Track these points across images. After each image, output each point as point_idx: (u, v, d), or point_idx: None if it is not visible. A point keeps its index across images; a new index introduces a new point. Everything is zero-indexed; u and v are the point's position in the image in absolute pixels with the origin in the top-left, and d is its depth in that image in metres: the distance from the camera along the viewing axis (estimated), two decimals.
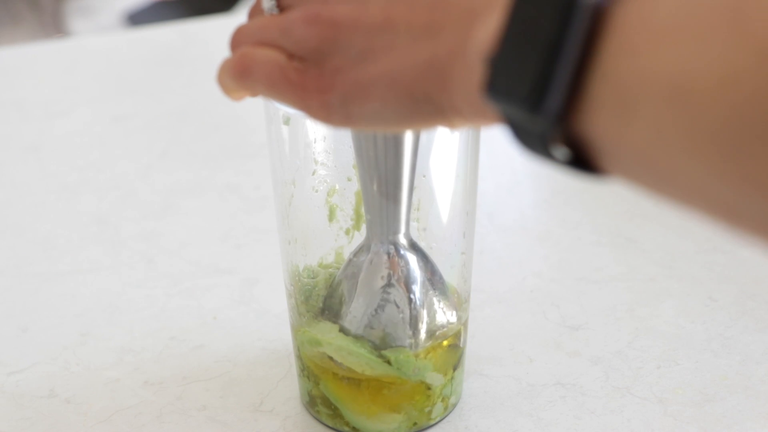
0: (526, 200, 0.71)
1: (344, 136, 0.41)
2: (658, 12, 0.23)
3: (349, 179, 0.44)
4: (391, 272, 0.44)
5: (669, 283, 0.60)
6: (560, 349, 0.54)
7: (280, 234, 0.46)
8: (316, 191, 0.44)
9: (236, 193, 0.72)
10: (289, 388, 0.51)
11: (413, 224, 0.44)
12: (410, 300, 0.44)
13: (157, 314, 0.58)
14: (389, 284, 0.44)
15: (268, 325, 0.56)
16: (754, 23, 0.21)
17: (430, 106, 0.29)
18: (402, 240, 0.43)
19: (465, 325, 0.48)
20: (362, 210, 0.44)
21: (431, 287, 0.45)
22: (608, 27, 0.24)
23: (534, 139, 0.26)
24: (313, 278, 0.46)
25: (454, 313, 0.46)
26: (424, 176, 0.42)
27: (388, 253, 0.43)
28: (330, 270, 0.46)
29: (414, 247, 0.44)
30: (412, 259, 0.44)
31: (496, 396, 0.50)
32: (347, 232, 0.46)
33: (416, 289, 0.44)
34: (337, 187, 0.44)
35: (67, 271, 0.63)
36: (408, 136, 0.40)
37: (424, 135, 0.41)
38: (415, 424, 0.47)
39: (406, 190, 0.41)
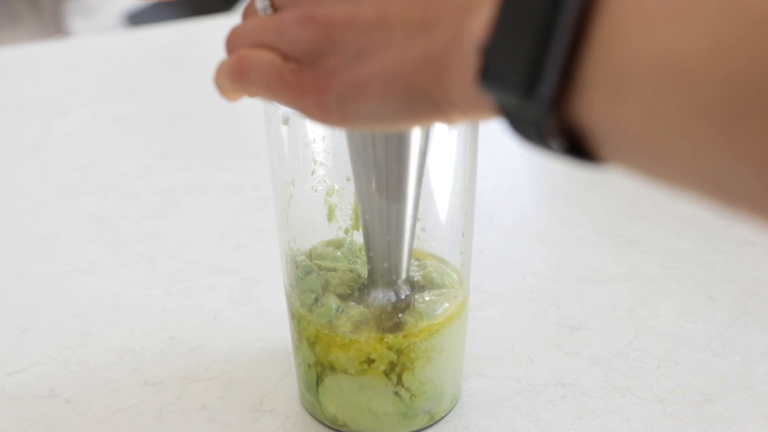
0: (526, 200, 0.71)
1: (343, 138, 0.41)
2: None
3: (348, 179, 0.44)
4: (393, 317, 0.44)
5: (669, 283, 0.60)
6: (560, 349, 0.54)
7: (279, 234, 0.46)
8: (315, 191, 0.44)
9: (236, 193, 0.72)
10: (289, 388, 0.51)
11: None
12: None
13: (157, 314, 0.58)
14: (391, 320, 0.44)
15: (268, 325, 0.56)
16: None
17: (428, 102, 0.29)
18: (402, 285, 0.44)
19: (464, 324, 0.48)
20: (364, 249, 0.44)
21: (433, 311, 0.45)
22: (599, 10, 0.24)
23: (529, 127, 0.26)
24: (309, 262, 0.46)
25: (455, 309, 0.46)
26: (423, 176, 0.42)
27: (389, 299, 0.44)
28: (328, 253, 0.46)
29: (413, 287, 0.45)
30: (412, 299, 0.45)
31: (496, 396, 0.50)
32: (346, 231, 0.46)
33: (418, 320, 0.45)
34: (336, 186, 0.44)
35: (67, 271, 0.63)
36: (413, 163, 0.40)
37: (428, 147, 0.41)
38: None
39: (409, 232, 0.42)
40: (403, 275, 0.44)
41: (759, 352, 0.53)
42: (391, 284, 0.44)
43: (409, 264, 0.44)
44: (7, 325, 0.57)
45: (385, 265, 0.43)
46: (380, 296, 0.44)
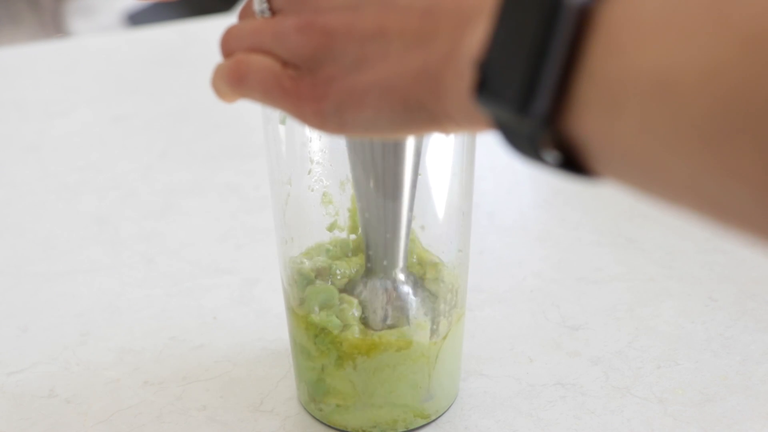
0: (526, 200, 0.71)
1: (340, 138, 0.41)
2: (644, 9, 0.23)
3: (342, 183, 0.44)
4: (388, 309, 0.44)
5: (669, 283, 0.60)
6: (560, 349, 0.54)
7: (276, 233, 0.46)
8: (312, 190, 0.44)
9: (236, 193, 0.72)
10: (289, 388, 0.51)
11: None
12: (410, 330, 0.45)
13: (157, 314, 0.58)
14: (385, 318, 0.44)
15: (268, 325, 0.56)
16: (736, 15, 0.21)
17: (424, 113, 0.29)
18: (400, 275, 0.44)
19: (462, 322, 0.48)
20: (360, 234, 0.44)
21: (429, 311, 0.45)
22: (594, 27, 0.24)
23: (524, 141, 0.26)
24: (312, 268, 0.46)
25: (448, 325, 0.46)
26: (420, 174, 0.42)
27: (386, 289, 0.44)
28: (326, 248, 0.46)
29: (412, 280, 0.45)
30: (409, 294, 0.45)
31: (496, 396, 0.50)
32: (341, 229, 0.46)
33: (414, 319, 0.45)
34: (331, 187, 0.44)
35: (67, 271, 0.63)
36: (408, 162, 0.40)
37: (424, 148, 0.41)
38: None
39: (405, 225, 0.42)
40: (401, 264, 0.44)
41: (759, 352, 0.53)
42: (388, 274, 0.44)
43: (406, 254, 0.44)
44: (7, 325, 0.57)
45: (384, 260, 0.44)
46: (378, 286, 0.44)
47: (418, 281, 0.45)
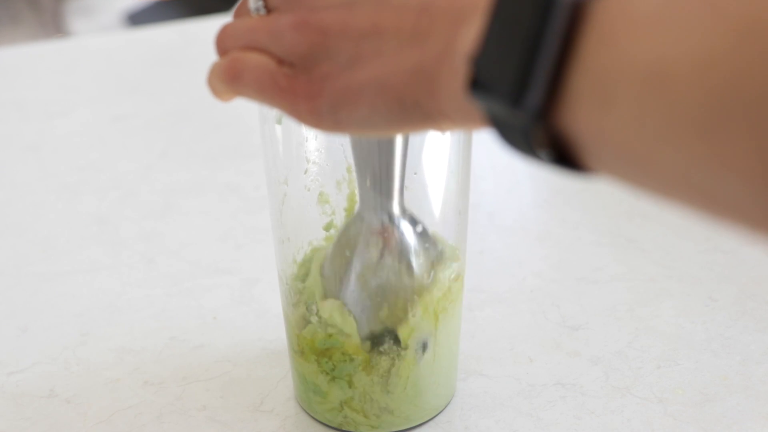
0: (526, 200, 0.71)
1: (335, 137, 0.41)
2: (637, 1, 0.23)
3: (338, 183, 0.44)
4: (386, 244, 0.43)
5: (669, 283, 0.60)
6: (560, 349, 0.54)
7: (273, 233, 0.46)
8: (308, 190, 0.44)
9: (236, 193, 0.72)
10: (289, 388, 0.51)
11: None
12: (408, 271, 0.44)
13: (157, 314, 0.58)
14: (384, 257, 0.43)
15: (268, 325, 0.56)
16: (730, 6, 0.21)
17: (419, 112, 0.29)
18: (395, 209, 0.43)
19: (459, 315, 0.48)
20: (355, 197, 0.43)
21: (427, 254, 0.44)
22: (588, 20, 0.24)
23: (518, 136, 0.26)
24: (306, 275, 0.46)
25: (452, 276, 0.45)
26: (415, 173, 0.42)
27: (382, 223, 0.43)
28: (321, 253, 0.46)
29: (408, 214, 0.43)
30: (407, 227, 0.44)
31: (496, 396, 0.50)
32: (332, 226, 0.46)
33: (413, 259, 0.44)
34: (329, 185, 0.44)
35: (67, 271, 0.63)
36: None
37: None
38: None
39: (400, 161, 0.41)
40: (395, 197, 0.42)
41: (759, 352, 0.53)
42: (383, 207, 0.43)
43: (402, 185, 0.42)
44: (7, 325, 0.57)
45: (378, 189, 0.42)
46: (372, 219, 0.43)
47: (417, 222, 0.43)
